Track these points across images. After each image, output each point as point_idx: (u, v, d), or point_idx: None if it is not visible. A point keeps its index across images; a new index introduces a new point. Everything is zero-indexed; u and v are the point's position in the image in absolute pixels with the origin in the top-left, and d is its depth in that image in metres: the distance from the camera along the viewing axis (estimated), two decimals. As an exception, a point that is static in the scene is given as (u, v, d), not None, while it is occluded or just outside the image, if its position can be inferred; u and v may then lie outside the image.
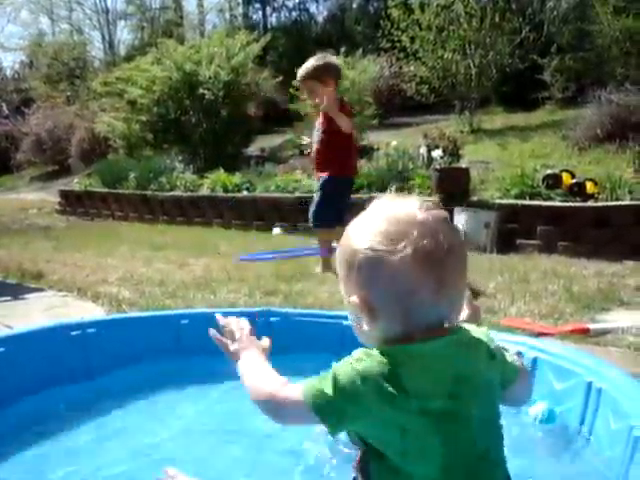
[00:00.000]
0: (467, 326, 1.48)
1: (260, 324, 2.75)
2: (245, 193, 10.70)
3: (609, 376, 1.94)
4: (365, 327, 1.40)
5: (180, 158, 14.07)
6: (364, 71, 13.73)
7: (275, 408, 1.47)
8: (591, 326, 3.52)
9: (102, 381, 2.45)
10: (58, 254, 6.94)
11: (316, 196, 5.61)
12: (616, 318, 3.83)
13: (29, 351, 2.36)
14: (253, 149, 15.96)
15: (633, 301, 4.28)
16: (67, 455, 1.95)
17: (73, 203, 14.24)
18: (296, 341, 2.70)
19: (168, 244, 7.85)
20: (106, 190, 13.41)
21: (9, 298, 4.79)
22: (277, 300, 4.28)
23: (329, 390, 1.35)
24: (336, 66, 5.68)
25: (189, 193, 11.57)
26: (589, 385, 1.96)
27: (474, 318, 1.67)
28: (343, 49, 13.67)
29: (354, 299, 1.38)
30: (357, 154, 5.82)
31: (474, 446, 1.39)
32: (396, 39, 15.07)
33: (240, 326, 1.72)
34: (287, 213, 9.71)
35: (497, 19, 13.86)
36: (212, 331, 1.71)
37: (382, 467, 1.40)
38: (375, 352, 1.36)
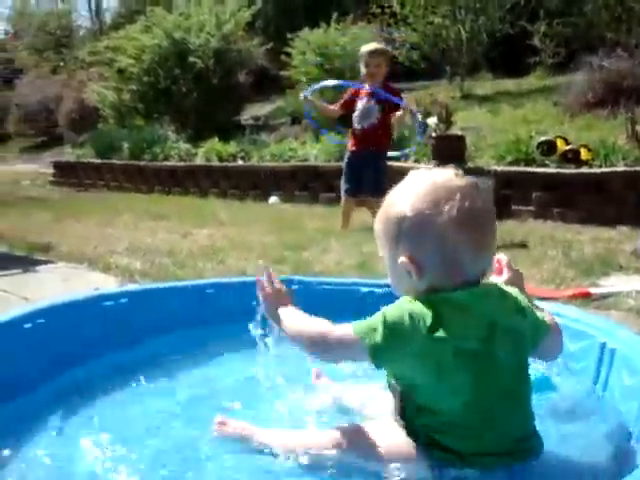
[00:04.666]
0: (498, 283, 1.66)
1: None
2: (240, 162, 10.76)
3: (621, 336, 2.08)
4: (410, 284, 1.56)
5: (173, 128, 14.07)
6: (355, 38, 13.71)
7: (329, 345, 1.64)
8: (593, 290, 3.65)
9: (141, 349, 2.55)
10: (60, 225, 7.01)
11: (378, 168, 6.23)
12: (615, 283, 3.96)
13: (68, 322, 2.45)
14: (245, 117, 15.95)
15: (631, 266, 4.41)
16: (116, 413, 2.07)
17: (66, 174, 14.25)
18: (317, 309, 2.80)
19: (168, 214, 7.92)
20: (100, 161, 13.43)
21: (19, 271, 4.82)
22: (286, 268, 4.39)
23: (380, 327, 1.51)
24: None
25: (184, 163, 11.62)
26: (603, 345, 2.10)
27: (517, 281, 1.80)
28: (335, 15, 13.62)
29: (403, 259, 1.54)
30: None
31: (498, 386, 1.54)
32: (386, 4, 15.04)
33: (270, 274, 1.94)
34: (283, 182, 9.79)
35: (488, -16, 13.88)
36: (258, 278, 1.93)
37: (412, 406, 1.58)
38: (418, 298, 1.53)
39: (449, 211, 1.49)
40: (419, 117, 7.75)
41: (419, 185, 1.56)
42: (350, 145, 6.45)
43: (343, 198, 6.42)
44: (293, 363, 2.40)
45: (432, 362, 1.49)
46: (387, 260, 1.64)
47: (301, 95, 6.74)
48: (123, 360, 2.45)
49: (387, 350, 1.51)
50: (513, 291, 1.65)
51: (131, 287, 3.65)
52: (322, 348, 1.67)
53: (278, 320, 1.83)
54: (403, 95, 6.54)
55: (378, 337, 1.50)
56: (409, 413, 1.60)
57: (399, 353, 1.51)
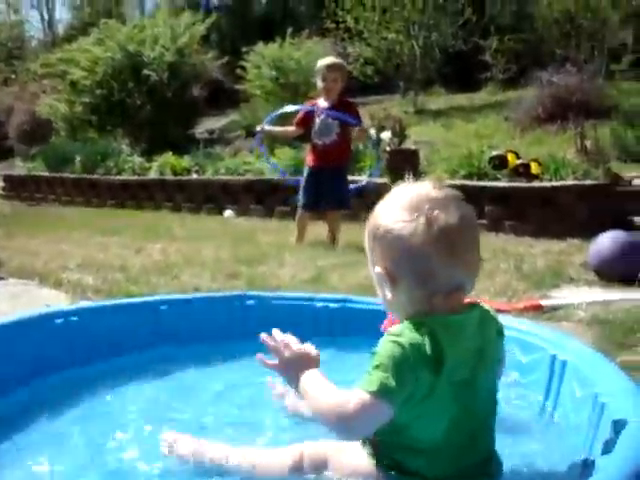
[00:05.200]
0: (481, 302, 1.64)
1: (237, 308, 2.89)
2: (195, 176, 10.70)
3: (571, 348, 2.11)
4: (388, 295, 1.56)
5: (127, 141, 13.95)
6: (310, 52, 13.80)
7: (348, 420, 1.50)
8: (544, 302, 3.71)
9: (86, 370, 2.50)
10: (11, 241, 6.87)
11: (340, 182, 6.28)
12: (566, 294, 4.04)
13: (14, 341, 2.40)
14: (200, 130, 15.91)
15: (581, 278, 4.50)
16: (57, 438, 2.01)
17: (17, 187, 14.01)
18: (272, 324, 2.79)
19: (121, 229, 7.82)
20: (52, 174, 13.22)
21: (-33, 287, 4.72)
22: (241, 283, 4.36)
23: (390, 372, 1.45)
24: None
25: (138, 177, 11.51)
26: (553, 357, 2.13)
27: None
28: (290, 30, 13.70)
29: (378, 269, 1.55)
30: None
31: (477, 414, 1.56)
32: (340, 19, 15.17)
33: (287, 341, 1.73)
34: (237, 196, 9.76)
35: (440, 0, 14.10)
36: (259, 355, 1.75)
37: (388, 429, 1.53)
38: (410, 324, 1.49)
39: (418, 223, 1.49)
40: (373, 135, 7.79)
41: (396, 198, 1.57)
42: (310, 160, 6.35)
43: (299, 212, 6.39)
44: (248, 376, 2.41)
45: (425, 389, 1.47)
46: (372, 272, 1.63)
47: (258, 128, 6.70)
48: (73, 377, 2.41)
49: (402, 390, 1.45)
50: (492, 310, 1.66)
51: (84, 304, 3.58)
52: (346, 423, 1.51)
53: (299, 388, 1.66)
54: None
55: (392, 382, 1.44)
56: (381, 431, 1.56)
57: (411, 387, 1.46)
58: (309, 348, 1.71)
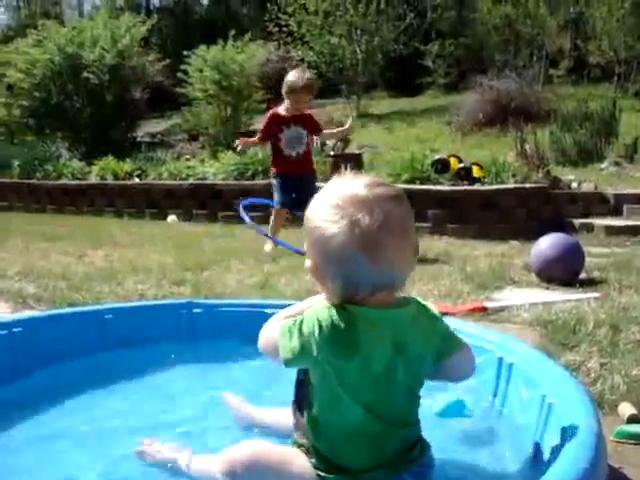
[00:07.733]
0: (419, 300, 1.67)
1: (184, 316, 2.86)
2: (137, 180, 10.56)
3: (517, 350, 2.15)
4: (319, 286, 1.61)
5: (67, 145, 13.69)
6: (252, 56, 13.77)
7: (263, 347, 1.69)
8: (488, 304, 3.77)
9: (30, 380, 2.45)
10: (-55, 248, 6.67)
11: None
12: (509, 296, 4.10)
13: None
14: (141, 134, 15.72)
15: (522, 279, 4.58)
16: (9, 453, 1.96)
17: (-48, 193, 13.58)
18: (219, 331, 2.78)
19: (62, 235, 7.67)
20: (-12, 179, 12.88)
21: None
22: (186, 290, 4.32)
23: (295, 332, 1.55)
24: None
25: (77, 181, 11.30)
26: (500, 360, 2.16)
27: None
28: (232, 32, 13.63)
29: (308, 262, 1.59)
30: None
31: (391, 407, 1.59)
32: (283, 23, 15.19)
33: None
34: (181, 200, 9.68)
35: (382, 5, 14.23)
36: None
37: (311, 414, 1.62)
38: (334, 308, 1.53)
39: (341, 225, 1.48)
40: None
41: (327, 194, 1.56)
42: (282, 168, 6.14)
43: (276, 209, 6.20)
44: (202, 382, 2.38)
45: (335, 373, 1.52)
46: None
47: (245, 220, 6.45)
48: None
49: (294, 351, 1.54)
50: (431, 309, 1.68)
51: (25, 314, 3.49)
52: (262, 348, 1.69)
53: None
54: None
55: (289, 339, 1.55)
56: (309, 421, 1.63)
57: (305, 357, 1.53)
58: None
